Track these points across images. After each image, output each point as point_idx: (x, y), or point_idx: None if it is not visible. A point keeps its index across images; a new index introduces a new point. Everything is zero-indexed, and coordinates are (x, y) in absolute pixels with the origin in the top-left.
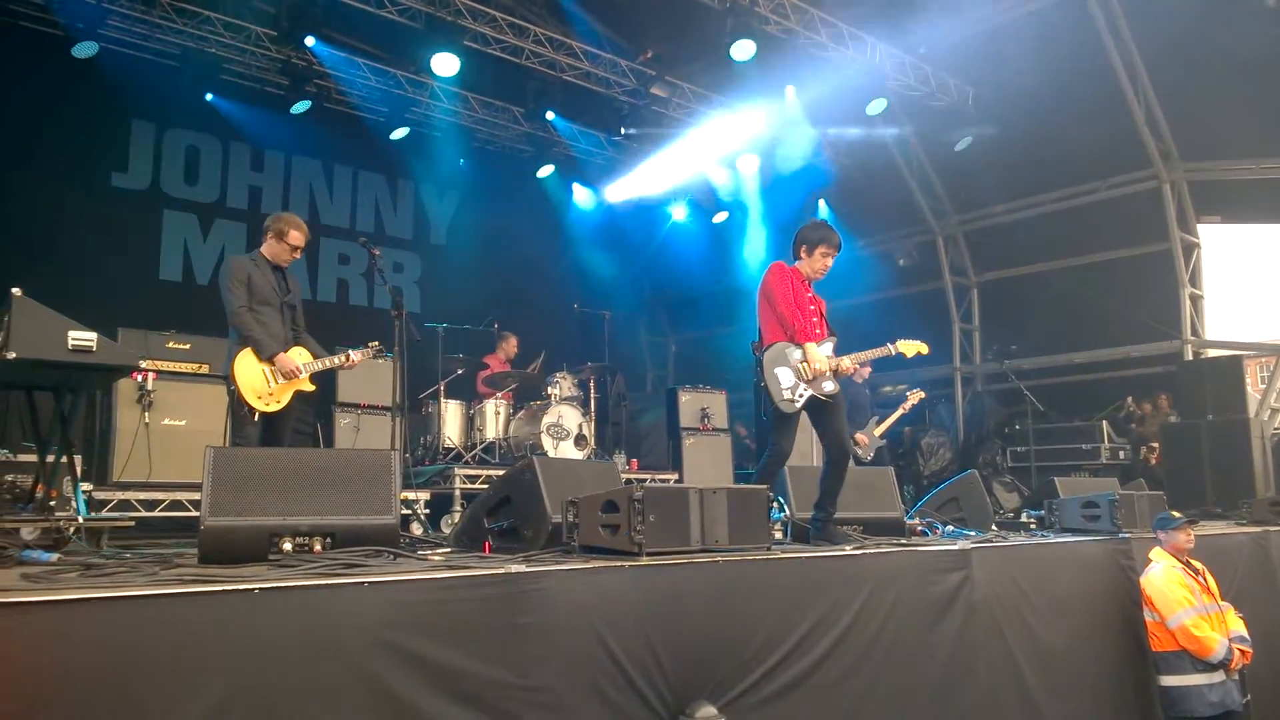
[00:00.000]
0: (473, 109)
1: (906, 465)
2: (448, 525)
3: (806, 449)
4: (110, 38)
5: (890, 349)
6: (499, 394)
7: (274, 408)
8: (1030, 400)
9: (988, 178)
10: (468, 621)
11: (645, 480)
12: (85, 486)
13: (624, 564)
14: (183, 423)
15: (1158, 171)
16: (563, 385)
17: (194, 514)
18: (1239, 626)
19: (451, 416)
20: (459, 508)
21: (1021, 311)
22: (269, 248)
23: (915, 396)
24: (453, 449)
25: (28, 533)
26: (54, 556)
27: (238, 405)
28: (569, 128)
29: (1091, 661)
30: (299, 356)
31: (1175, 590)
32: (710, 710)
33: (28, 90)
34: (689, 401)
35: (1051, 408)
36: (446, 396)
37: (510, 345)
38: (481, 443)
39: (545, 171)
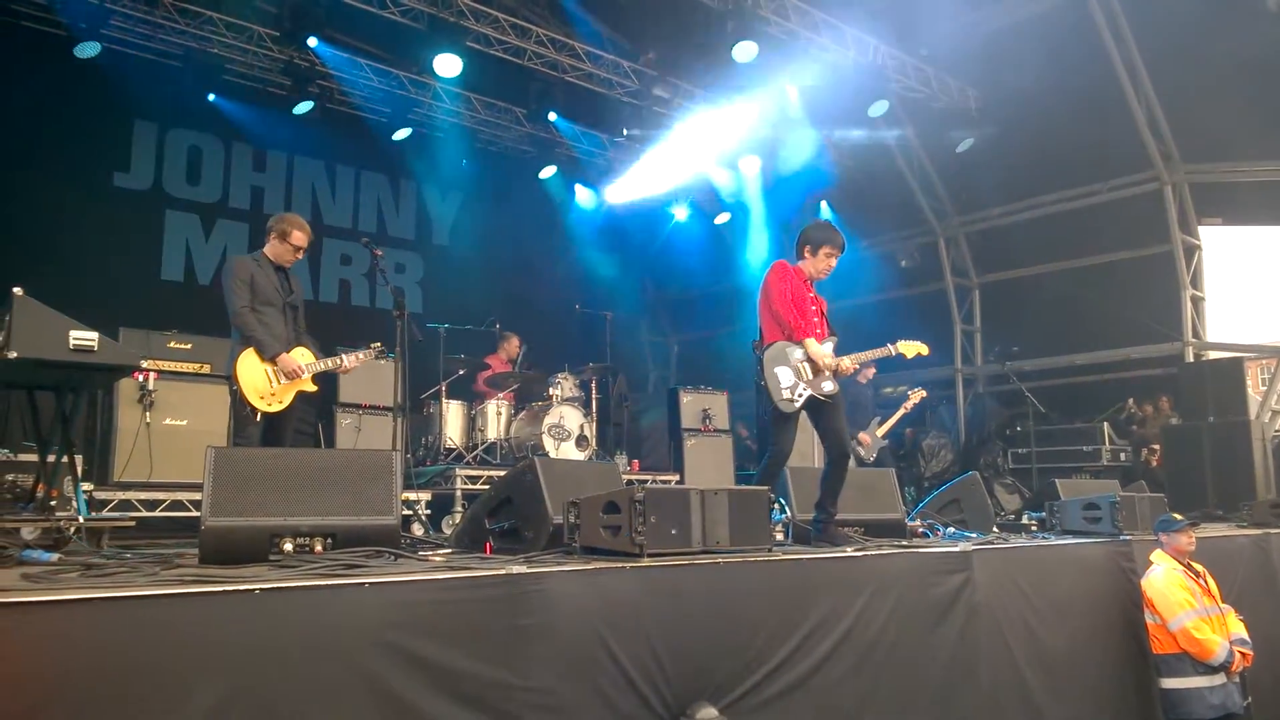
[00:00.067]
0: (475, 110)
1: (908, 467)
2: (449, 526)
3: (807, 449)
4: (113, 38)
5: (890, 350)
6: (500, 394)
7: (276, 408)
8: (1031, 402)
9: (989, 179)
10: (469, 622)
11: (646, 481)
12: (86, 486)
13: (625, 565)
14: (184, 423)
15: (1159, 173)
16: (564, 386)
17: (195, 514)
18: (1240, 629)
19: (453, 417)
20: (460, 508)
21: (1023, 313)
22: (272, 248)
23: (916, 396)
24: (454, 449)
25: (28, 532)
26: (54, 556)
27: (240, 405)
28: (571, 128)
29: (1092, 664)
30: (301, 357)
31: (1176, 593)
32: (711, 712)
33: (30, 90)
34: (690, 402)
35: (1052, 409)
36: (448, 397)
37: (512, 345)
38: (483, 443)
39: (547, 172)
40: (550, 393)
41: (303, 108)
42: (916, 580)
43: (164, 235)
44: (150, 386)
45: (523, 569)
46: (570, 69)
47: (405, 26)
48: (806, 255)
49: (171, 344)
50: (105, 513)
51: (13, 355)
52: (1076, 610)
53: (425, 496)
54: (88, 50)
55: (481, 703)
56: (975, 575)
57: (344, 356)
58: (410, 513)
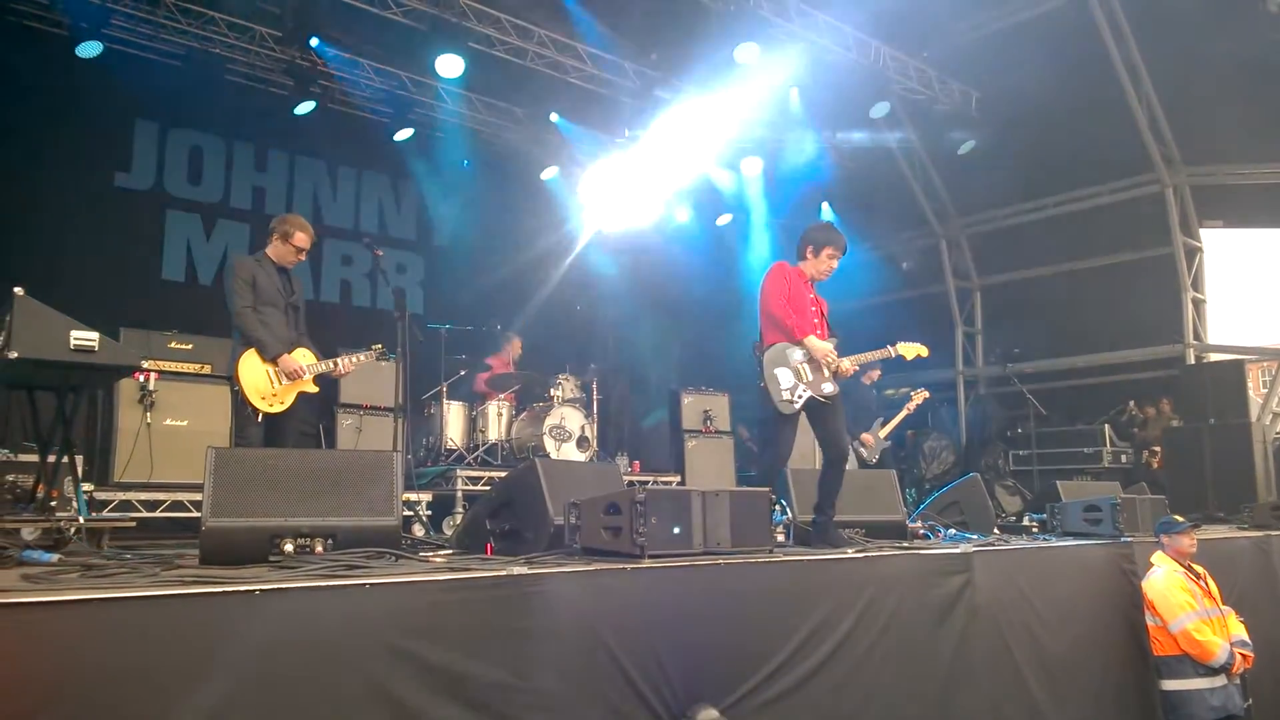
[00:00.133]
0: (477, 110)
1: (908, 468)
2: (449, 527)
3: (808, 450)
4: (114, 37)
5: (890, 351)
6: (501, 395)
7: (277, 409)
8: (1032, 404)
9: (990, 181)
10: (470, 624)
11: (647, 482)
12: (86, 487)
13: (626, 566)
14: (184, 423)
15: (1160, 176)
16: (565, 387)
17: (195, 515)
18: (1240, 631)
19: (454, 418)
20: (461, 509)
21: (1024, 315)
22: (274, 249)
23: (919, 397)
24: (455, 450)
25: (28, 533)
26: (55, 557)
27: (241, 406)
28: (573, 129)
29: (1093, 666)
30: (303, 358)
31: (1177, 594)
32: (712, 713)
33: (31, 90)
34: (691, 404)
35: (1053, 411)
36: (449, 398)
37: (514, 347)
38: (484, 444)
39: (549, 173)
40: (551, 394)
41: (304, 108)
42: (917, 582)
43: (165, 235)
44: (151, 387)
45: (524, 570)
46: (572, 70)
47: (407, 27)
48: (808, 256)
49: (172, 344)
50: (105, 513)
51: (13, 355)
52: (1077, 612)
53: (426, 497)
54: (89, 50)
55: (482, 704)
56: (976, 577)
57: (341, 359)
58: (411, 514)
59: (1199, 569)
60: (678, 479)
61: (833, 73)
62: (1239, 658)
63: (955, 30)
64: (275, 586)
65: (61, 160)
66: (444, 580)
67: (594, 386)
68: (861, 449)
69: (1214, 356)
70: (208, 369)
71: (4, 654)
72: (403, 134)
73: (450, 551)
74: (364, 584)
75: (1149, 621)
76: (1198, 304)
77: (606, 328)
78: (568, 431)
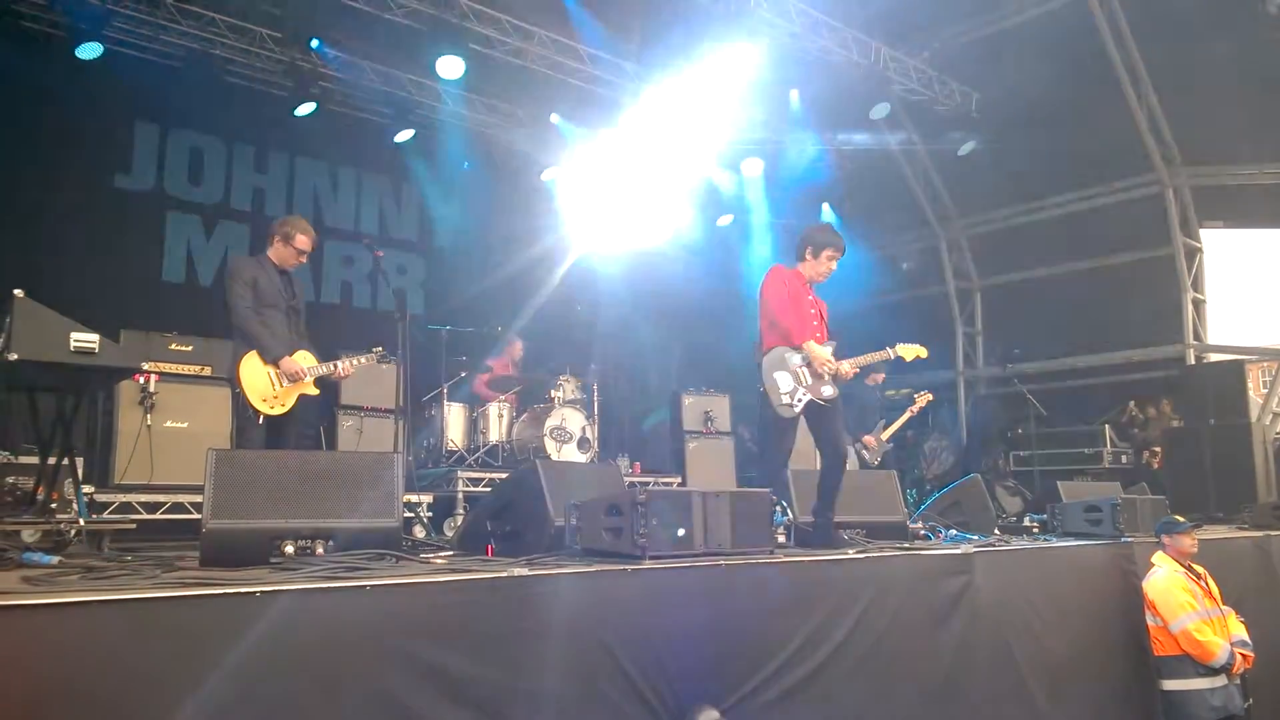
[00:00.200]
0: (477, 111)
1: (909, 469)
2: (450, 528)
3: (809, 452)
4: (114, 39)
5: (889, 353)
6: (501, 397)
7: (278, 410)
8: (1033, 404)
9: (991, 182)
10: (470, 625)
11: (648, 483)
12: (86, 489)
13: (627, 567)
14: (185, 425)
15: (1160, 176)
16: (566, 388)
17: (196, 516)
18: (1240, 631)
19: (455, 419)
20: (462, 511)
21: (1024, 316)
22: (275, 251)
23: (923, 399)
24: (456, 452)
25: (29, 535)
26: (55, 559)
27: (242, 408)
28: (573, 129)
29: (1093, 665)
30: (303, 360)
31: (1178, 595)
32: (713, 714)
33: (31, 91)
34: (692, 405)
35: (1054, 412)
36: (450, 399)
37: (516, 349)
38: (485, 445)
39: (550, 174)
40: (552, 395)
41: (305, 109)
42: (918, 582)
43: (165, 236)
44: (151, 388)
45: (524, 571)
46: (573, 70)
47: (408, 28)
48: (807, 257)
49: (173, 346)
50: (106, 515)
51: (13, 357)
52: (1078, 612)
53: (427, 499)
54: (90, 51)
55: (482, 705)
56: (977, 577)
57: (342, 361)
58: (412, 515)
59: (1199, 569)
60: (678, 480)
61: (833, 73)
62: (1239, 658)
63: (955, 31)
64: (276, 588)
65: (61, 161)
66: (445, 582)
67: (595, 388)
68: (864, 451)
69: (1214, 357)
70: (208, 371)
71: (5, 656)
72: (403, 135)
73: (451, 553)
74: (365, 585)
75: (1149, 622)
76: (1198, 304)
77: (607, 329)
78: (568, 433)
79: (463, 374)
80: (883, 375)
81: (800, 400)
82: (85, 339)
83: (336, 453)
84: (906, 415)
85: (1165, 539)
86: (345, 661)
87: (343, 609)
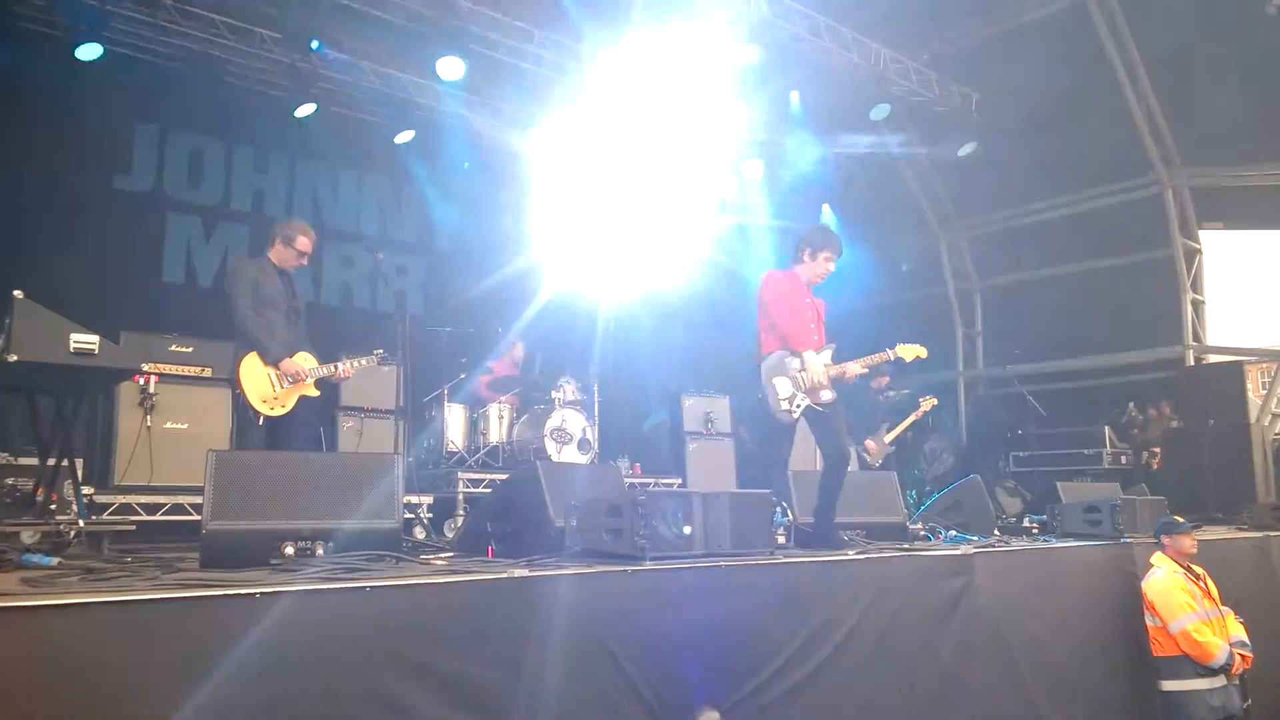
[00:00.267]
0: (477, 112)
1: (909, 470)
2: (450, 529)
3: (809, 453)
4: (114, 40)
5: (889, 354)
6: (502, 398)
7: (279, 412)
8: (1033, 405)
9: (991, 183)
10: (470, 626)
11: (648, 485)
12: (86, 490)
13: (627, 569)
14: (185, 426)
15: (1160, 177)
16: (566, 390)
17: (196, 518)
18: (1239, 631)
19: (455, 420)
20: (462, 512)
21: (1024, 317)
22: (276, 253)
23: (928, 403)
24: (456, 453)
25: (28, 537)
26: (54, 561)
27: (243, 409)
28: (572, 130)
29: (1093, 666)
30: (304, 361)
31: (1177, 595)
32: (713, 715)
33: (31, 92)
34: (693, 406)
35: (1054, 413)
36: (450, 400)
37: (517, 350)
38: (485, 447)
39: (550, 175)
40: (553, 396)
41: (305, 110)
42: (918, 583)
43: (164, 237)
44: (151, 390)
45: (524, 572)
46: (572, 71)
47: (408, 29)
48: (805, 259)
49: (172, 347)
50: (105, 517)
51: (13, 358)
52: (1077, 613)
53: (427, 500)
54: (90, 52)
55: (482, 706)
56: (976, 578)
57: (342, 363)
58: (412, 516)
59: (1198, 570)
60: (679, 481)
61: (833, 75)
62: (1238, 658)
63: (956, 33)
64: (276, 589)
65: (61, 162)
66: (445, 583)
67: (595, 389)
68: (865, 454)
69: (1213, 358)
70: (208, 372)
71: (4, 657)
72: (403, 136)
73: (451, 554)
74: (365, 587)
75: (1149, 622)
76: (1197, 305)
77: (607, 330)
78: (569, 434)
79: (462, 375)
80: (887, 378)
81: (799, 405)
82: (85, 340)
83: (337, 454)
84: (911, 419)
85: (1165, 539)
86: (345, 663)
87: (343, 610)
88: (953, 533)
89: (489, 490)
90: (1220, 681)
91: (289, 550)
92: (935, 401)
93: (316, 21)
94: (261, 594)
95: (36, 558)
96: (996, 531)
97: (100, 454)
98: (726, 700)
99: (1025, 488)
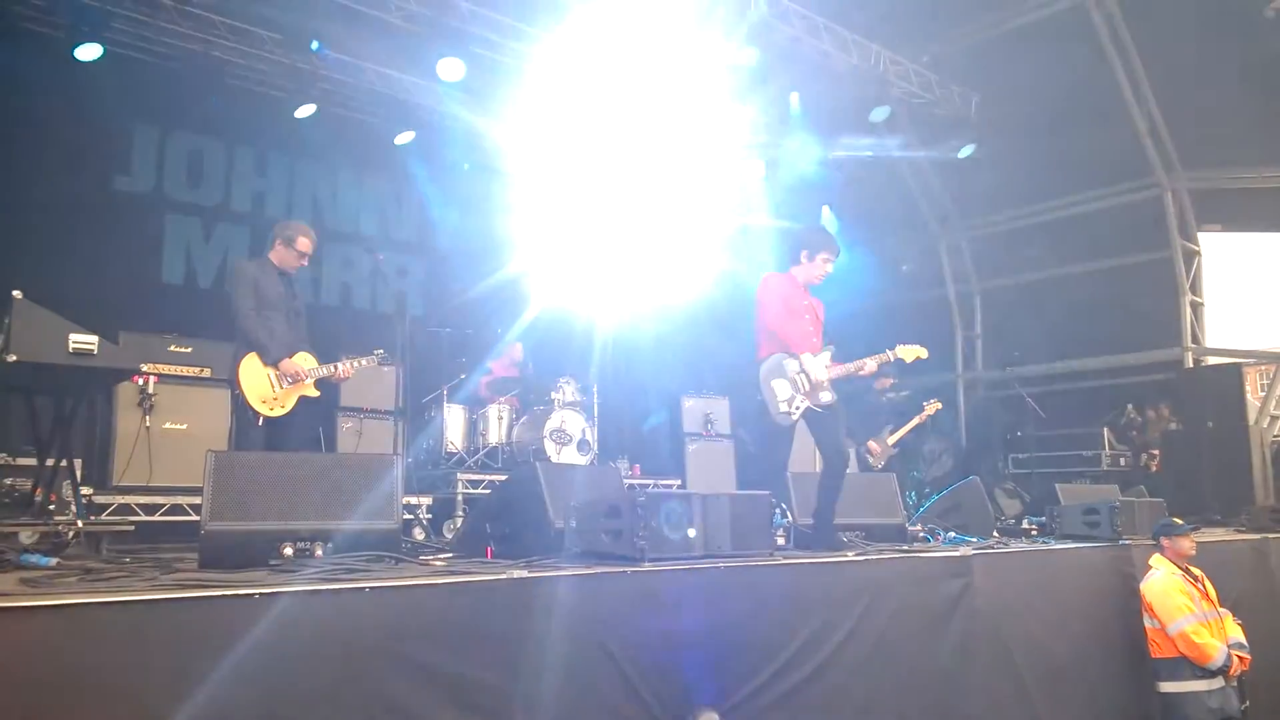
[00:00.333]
0: (478, 113)
1: (909, 471)
2: (450, 530)
3: (809, 455)
4: (114, 40)
5: (889, 355)
6: (501, 399)
7: (278, 412)
8: (1032, 407)
9: (990, 185)
10: (469, 627)
11: (648, 486)
12: (85, 490)
13: (626, 570)
14: (184, 426)
15: (1159, 179)
16: (566, 390)
17: (195, 518)
18: (1238, 633)
19: (454, 421)
20: (461, 513)
21: (1024, 318)
22: (277, 254)
23: (932, 407)
24: (455, 454)
25: (27, 537)
26: (53, 561)
27: (242, 410)
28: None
29: (1092, 668)
30: (304, 362)
31: (1175, 597)
32: (712, 716)
33: (30, 92)
34: (692, 407)
35: (1053, 414)
36: (449, 401)
37: (516, 350)
38: (484, 447)
39: (550, 176)
40: (552, 397)
41: (305, 111)
42: (917, 585)
43: (164, 238)
44: (150, 390)
45: (524, 573)
46: (573, 72)
47: (408, 30)
48: (803, 260)
49: (172, 347)
50: (104, 517)
51: (12, 358)
52: (1076, 614)
53: (426, 501)
54: (89, 53)
55: (481, 707)
56: (975, 580)
57: (342, 363)
58: (411, 517)
59: (1196, 571)
60: (678, 482)
61: (833, 77)
62: (1236, 660)
63: (955, 34)
64: (275, 590)
65: (60, 163)
66: (444, 584)
67: (594, 390)
68: (868, 456)
69: (1212, 360)
70: (207, 372)
71: (2, 658)
72: (403, 137)
73: (450, 555)
74: (364, 588)
75: (1147, 624)
76: (1196, 307)
77: (607, 331)
78: (568, 435)
79: (462, 376)
80: (891, 380)
81: (798, 407)
82: (84, 340)
83: (336, 454)
84: (915, 422)
85: (1164, 541)
86: (344, 664)
87: (342, 611)
88: (952, 534)
89: (488, 491)
90: (1218, 683)
91: (288, 551)
92: (939, 405)
93: (316, 22)
94: (260, 595)
95: (35, 558)
96: (995, 533)
97: (99, 454)
98: (725, 701)
99: (1024, 489)
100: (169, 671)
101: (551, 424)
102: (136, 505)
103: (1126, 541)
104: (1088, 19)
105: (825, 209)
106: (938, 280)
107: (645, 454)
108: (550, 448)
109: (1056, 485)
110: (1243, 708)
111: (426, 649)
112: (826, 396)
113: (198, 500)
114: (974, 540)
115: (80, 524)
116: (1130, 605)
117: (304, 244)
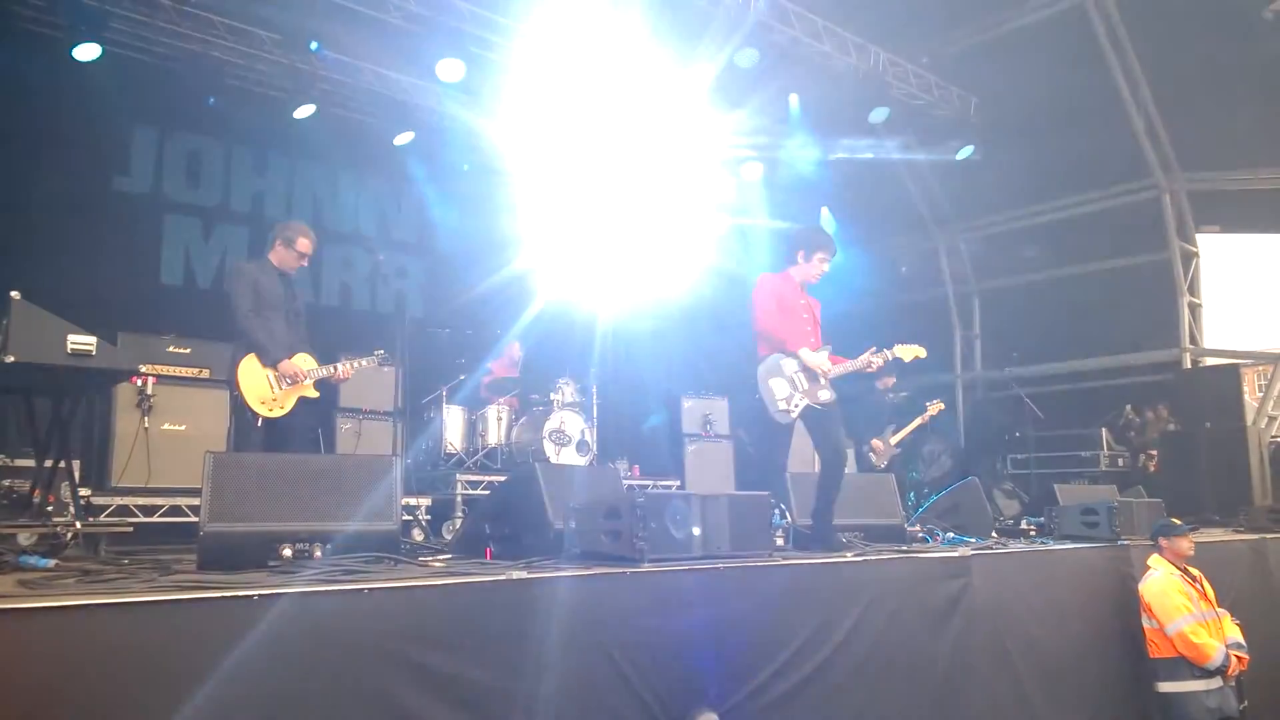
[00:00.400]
0: (476, 113)
1: (908, 472)
2: (449, 531)
3: (809, 455)
4: (113, 40)
5: (887, 354)
6: (501, 400)
7: (278, 413)
8: (1030, 408)
9: (989, 186)
10: (468, 628)
11: (647, 487)
12: (83, 492)
13: (625, 570)
14: (182, 427)
15: (1157, 181)
16: (565, 391)
17: (193, 520)
18: (1236, 633)
19: (453, 422)
20: (460, 514)
21: (1022, 319)
22: (277, 255)
23: (934, 407)
24: (455, 454)
25: (25, 538)
26: (51, 562)
27: (241, 410)
28: (571, 132)
29: (1090, 668)
30: (303, 363)
31: (1174, 597)
32: (712, 717)
33: (29, 93)
34: (691, 408)
35: (1051, 415)
36: (448, 402)
37: (514, 350)
38: (483, 448)
39: (549, 177)
40: (551, 398)
41: (304, 111)
42: (916, 585)
43: (163, 239)
44: (149, 391)
45: (523, 574)
46: (571, 72)
47: (408, 30)
48: (799, 260)
49: (170, 348)
50: (103, 518)
51: (10, 359)
52: (1074, 614)
53: (425, 502)
54: (88, 53)
55: (481, 708)
56: (974, 580)
57: (341, 364)
58: (410, 518)
59: (1195, 571)
60: (677, 483)
61: (832, 78)
62: (1234, 660)
63: (954, 36)
64: (274, 591)
65: (59, 163)
66: (443, 585)
67: (594, 391)
68: (871, 454)
69: (1210, 360)
70: (206, 373)
71: (1, 660)
72: (403, 137)
73: (449, 556)
74: (363, 589)
75: (1145, 624)
76: (1194, 308)
77: (606, 332)
78: (567, 436)
79: (462, 377)
80: (893, 379)
81: (797, 406)
82: (82, 341)
83: (335, 455)
84: (917, 422)
85: (1162, 541)
86: (343, 665)
87: (341, 612)
88: (950, 535)
89: (487, 492)
90: (1217, 683)
91: (287, 552)
92: (942, 405)
93: (315, 22)
94: (259, 596)
95: (33, 560)
96: (994, 533)
97: (97, 455)
98: (725, 702)
99: (1023, 490)
100: (168, 673)
101: (550, 425)
102: (135, 506)
103: (1125, 542)
104: (1086, 20)
105: (824, 210)
106: (936, 281)
107: (644, 454)
108: (549, 448)
109: (1055, 486)
110: (1241, 708)
111: (426, 650)
112: (826, 395)
113: (196, 501)
114: (973, 541)
115: (79, 525)
116: (1129, 605)
117: (304, 244)
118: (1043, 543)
